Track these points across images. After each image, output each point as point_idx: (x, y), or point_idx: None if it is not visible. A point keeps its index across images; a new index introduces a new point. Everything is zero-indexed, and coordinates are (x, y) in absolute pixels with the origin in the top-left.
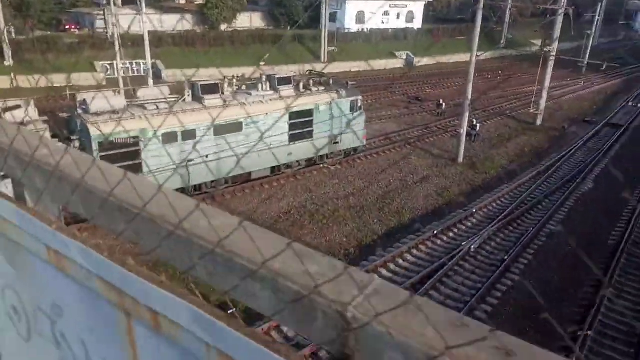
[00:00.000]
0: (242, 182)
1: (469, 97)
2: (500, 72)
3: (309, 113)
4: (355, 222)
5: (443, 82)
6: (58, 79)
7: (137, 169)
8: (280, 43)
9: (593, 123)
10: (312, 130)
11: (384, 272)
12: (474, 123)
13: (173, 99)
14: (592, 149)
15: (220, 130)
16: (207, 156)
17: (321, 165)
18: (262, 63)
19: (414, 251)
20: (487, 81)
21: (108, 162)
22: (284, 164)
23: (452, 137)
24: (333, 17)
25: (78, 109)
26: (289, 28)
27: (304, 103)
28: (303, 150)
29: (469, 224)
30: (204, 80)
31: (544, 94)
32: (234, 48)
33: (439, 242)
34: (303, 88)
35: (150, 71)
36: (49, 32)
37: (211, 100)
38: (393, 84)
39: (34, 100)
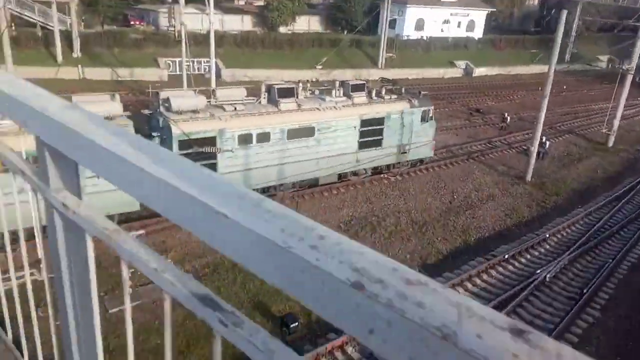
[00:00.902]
0: (308, 187)
1: (544, 113)
2: (565, 87)
3: (380, 121)
4: (419, 238)
5: (504, 95)
6: (123, 73)
7: (212, 168)
8: (339, 47)
9: None
10: (382, 139)
11: None
12: (543, 140)
13: (250, 101)
14: None
15: (293, 134)
16: (279, 159)
17: (382, 175)
18: (318, 66)
19: (484, 275)
20: (553, 96)
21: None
22: (351, 171)
23: (518, 154)
24: (392, 24)
25: (160, 107)
26: (346, 32)
27: (375, 111)
28: (371, 158)
29: (543, 250)
30: (280, 83)
31: (618, 114)
32: (292, 51)
33: (510, 267)
34: (375, 96)
35: (214, 70)
36: (115, 27)
37: (286, 103)
38: (453, 93)
39: (119, 94)
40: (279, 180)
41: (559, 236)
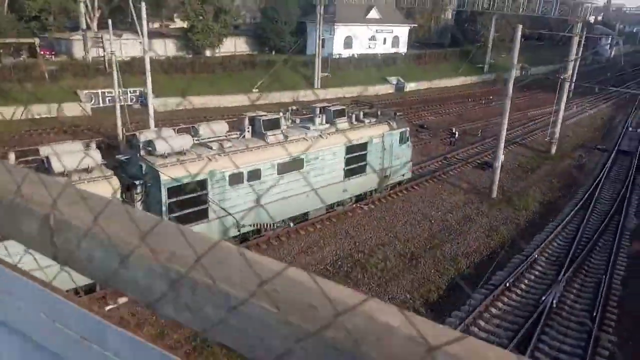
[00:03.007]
0: (298, 222)
1: (505, 127)
2: (491, 97)
3: (363, 146)
4: (412, 274)
5: (441, 108)
6: (40, 109)
7: (203, 215)
8: (273, 69)
9: (604, 150)
10: (366, 164)
11: None
12: (454, 131)
13: (234, 136)
14: (616, 179)
15: (283, 168)
16: (270, 196)
17: (355, 205)
18: (255, 90)
19: (492, 309)
20: (484, 107)
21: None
22: (338, 202)
23: (475, 169)
24: (322, 43)
25: (141, 150)
26: (274, 53)
27: (359, 136)
28: (357, 186)
29: (537, 272)
30: (264, 115)
31: (559, 122)
32: (225, 74)
33: (513, 296)
34: (355, 120)
35: (151, 100)
36: (22, 58)
37: (273, 135)
38: (392, 111)
39: (95, 142)
40: (270, 219)
41: (546, 254)
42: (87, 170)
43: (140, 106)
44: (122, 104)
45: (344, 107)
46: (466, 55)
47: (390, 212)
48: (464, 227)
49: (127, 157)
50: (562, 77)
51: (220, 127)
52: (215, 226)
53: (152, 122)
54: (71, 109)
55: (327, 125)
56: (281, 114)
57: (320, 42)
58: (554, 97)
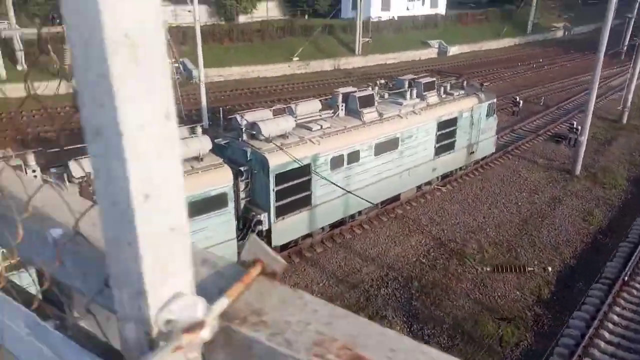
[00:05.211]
0: (388, 204)
1: (594, 97)
2: (540, 60)
3: (453, 122)
4: (515, 264)
5: (489, 74)
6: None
7: (306, 202)
8: (314, 35)
9: None
10: (455, 141)
11: (598, 350)
12: (575, 126)
13: (327, 115)
14: None
15: (380, 148)
16: (367, 179)
17: (432, 187)
18: (295, 58)
19: (616, 308)
20: (536, 71)
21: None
22: (427, 182)
23: (546, 142)
24: (355, 5)
25: (243, 134)
26: (306, 17)
27: (449, 111)
28: (445, 164)
29: None
30: (358, 91)
31: (632, 88)
32: (263, 42)
33: (634, 292)
34: (444, 93)
35: (202, 71)
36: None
37: (369, 114)
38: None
39: (200, 126)
40: (366, 203)
41: None
42: (198, 158)
43: (180, 78)
44: None
45: (433, 79)
46: (508, 15)
47: (471, 194)
48: (555, 210)
49: (226, 141)
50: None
51: (314, 105)
52: (318, 213)
53: (203, 98)
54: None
55: (418, 100)
56: (370, 88)
57: (362, 2)
58: (609, 60)
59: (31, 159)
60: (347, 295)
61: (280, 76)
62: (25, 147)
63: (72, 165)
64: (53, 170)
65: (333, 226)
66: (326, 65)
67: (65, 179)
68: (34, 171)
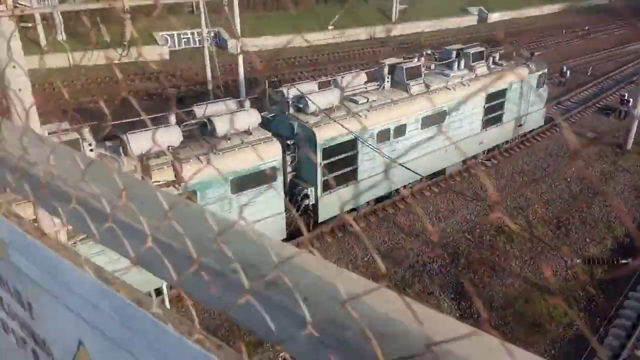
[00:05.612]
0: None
1: None
2: (587, 27)
3: (502, 94)
4: (565, 244)
5: (533, 42)
6: (115, 55)
7: (352, 176)
8: (350, 3)
9: None
10: (503, 114)
11: None
12: (626, 97)
13: (373, 87)
14: None
15: (427, 122)
16: (413, 153)
17: (478, 161)
18: (330, 27)
19: None
20: (582, 40)
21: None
22: (473, 156)
23: (595, 114)
24: None
25: (290, 107)
26: None
27: (498, 82)
28: (493, 137)
29: None
30: (405, 62)
31: None
32: (298, 10)
33: None
34: (493, 64)
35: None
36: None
37: (416, 86)
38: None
39: (249, 100)
40: (411, 178)
41: None
42: (247, 132)
43: (216, 48)
44: (198, 46)
45: (482, 49)
46: None
47: (517, 169)
48: (607, 186)
49: (272, 114)
50: None
51: (360, 77)
52: (363, 187)
53: (241, 70)
54: (149, 52)
55: (466, 71)
56: (416, 59)
57: None
58: None
59: (86, 132)
60: (392, 272)
61: (317, 45)
62: (74, 120)
63: (131, 138)
64: (109, 144)
65: (377, 200)
66: (362, 34)
67: (122, 152)
68: (90, 144)
